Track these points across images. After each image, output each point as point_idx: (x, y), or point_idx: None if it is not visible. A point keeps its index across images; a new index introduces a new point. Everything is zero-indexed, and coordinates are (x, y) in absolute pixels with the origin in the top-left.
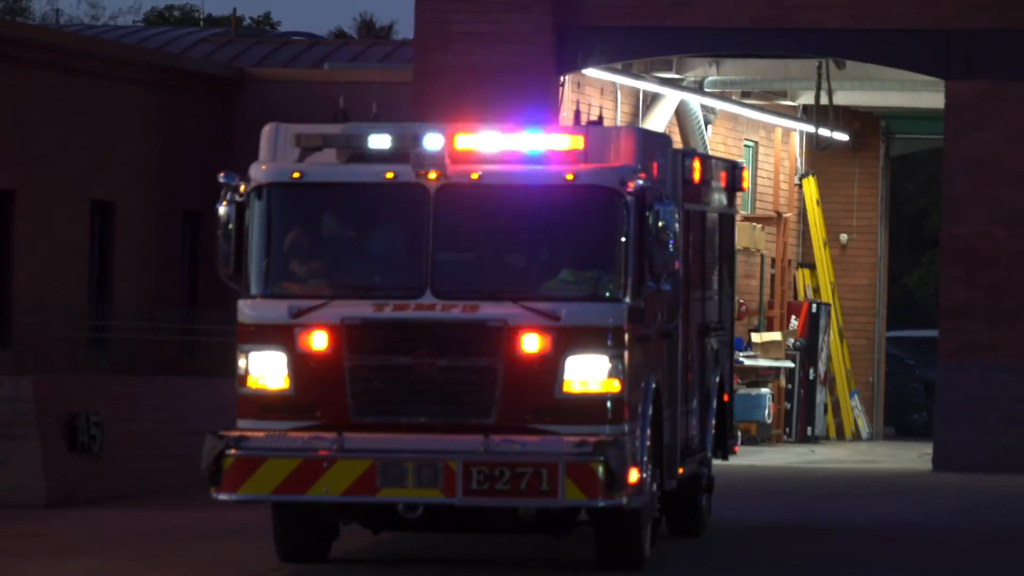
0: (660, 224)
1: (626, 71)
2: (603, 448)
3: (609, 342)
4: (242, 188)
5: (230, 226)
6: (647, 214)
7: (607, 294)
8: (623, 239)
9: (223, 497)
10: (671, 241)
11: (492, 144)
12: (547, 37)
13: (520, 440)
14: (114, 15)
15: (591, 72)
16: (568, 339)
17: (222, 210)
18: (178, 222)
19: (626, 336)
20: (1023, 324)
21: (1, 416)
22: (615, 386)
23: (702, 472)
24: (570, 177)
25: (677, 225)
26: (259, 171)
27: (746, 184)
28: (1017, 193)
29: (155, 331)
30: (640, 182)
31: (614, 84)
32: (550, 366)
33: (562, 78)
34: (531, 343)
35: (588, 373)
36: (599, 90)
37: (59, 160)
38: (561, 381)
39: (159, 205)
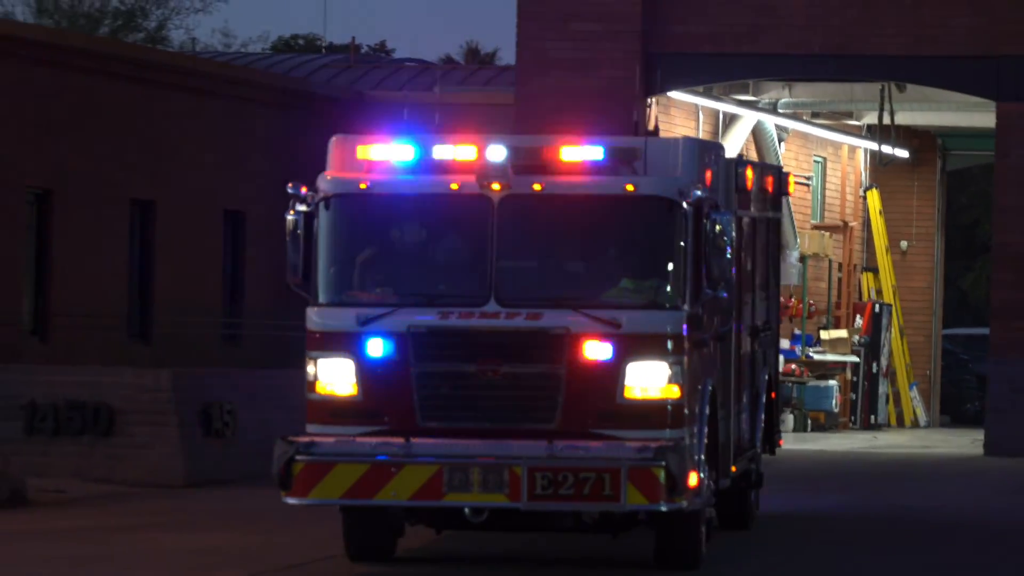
0: (717, 232)
1: (707, 94)
2: (664, 453)
3: (669, 349)
4: (310, 198)
5: (299, 233)
6: (705, 223)
7: (667, 302)
8: (682, 248)
9: (293, 501)
10: (728, 249)
11: (553, 155)
12: (635, 63)
13: (583, 445)
14: (244, 43)
15: (675, 95)
16: (629, 346)
17: (290, 219)
18: None
19: (685, 343)
20: None
21: (144, 405)
22: (675, 392)
23: (752, 468)
24: (630, 188)
25: (734, 233)
26: (326, 182)
27: (791, 189)
28: None
29: (281, 328)
30: (698, 192)
31: (696, 105)
32: (612, 372)
33: (649, 100)
34: (593, 350)
35: (649, 379)
36: (683, 111)
37: (195, 174)
38: (623, 387)
39: (285, 215)
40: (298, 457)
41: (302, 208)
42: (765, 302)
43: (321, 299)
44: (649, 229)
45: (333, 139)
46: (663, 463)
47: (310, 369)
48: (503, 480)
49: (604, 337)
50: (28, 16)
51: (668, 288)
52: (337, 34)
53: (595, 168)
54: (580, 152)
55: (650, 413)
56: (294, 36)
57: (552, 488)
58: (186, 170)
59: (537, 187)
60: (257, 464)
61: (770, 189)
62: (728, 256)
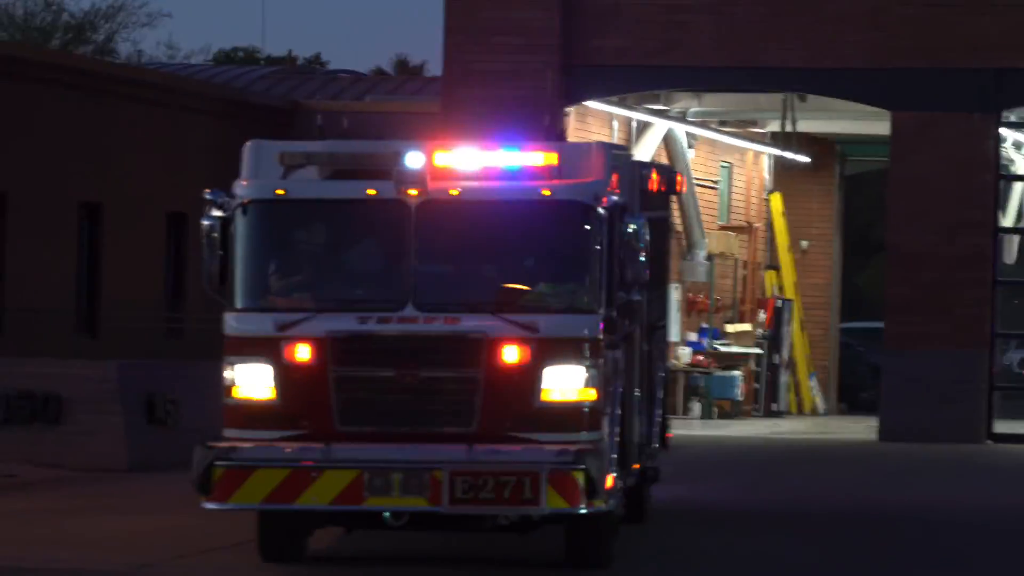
0: (632, 237)
1: (621, 103)
2: (583, 457)
3: (585, 352)
4: (226, 203)
5: (215, 239)
6: (619, 226)
7: (583, 306)
8: (597, 251)
9: (213, 507)
10: (642, 252)
11: (471, 161)
12: (554, 74)
13: (503, 450)
14: (187, 55)
15: (591, 104)
16: (546, 350)
17: (206, 225)
18: None
19: (600, 346)
20: (954, 317)
21: (90, 394)
22: (592, 395)
23: (648, 464)
24: (546, 193)
25: (648, 236)
26: (242, 187)
27: (683, 188)
28: (949, 207)
29: (220, 323)
30: (612, 196)
31: (610, 114)
32: (529, 376)
33: (567, 109)
34: (510, 354)
35: (566, 382)
36: (598, 119)
37: (139, 178)
38: (540, 390)
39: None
40: (217, 463)
41: (218, 213)
42: (659, 300)
43: (238, 304)
44: (565, 233)
45: (248, 144)
46: (583, 466)
47: (227, 374)
48: (424, 484)
49: (521, 341)
50: None
51: (584, 292)
52: (274, 46)
53: (512, 173)
54: (496, 157)
55: (567, 416)
56: (234, 48)
57: (472, 492)
58: (131, 175)
59: (454, 192)
60: None
61: (663, 189)
62: (642, 259)
